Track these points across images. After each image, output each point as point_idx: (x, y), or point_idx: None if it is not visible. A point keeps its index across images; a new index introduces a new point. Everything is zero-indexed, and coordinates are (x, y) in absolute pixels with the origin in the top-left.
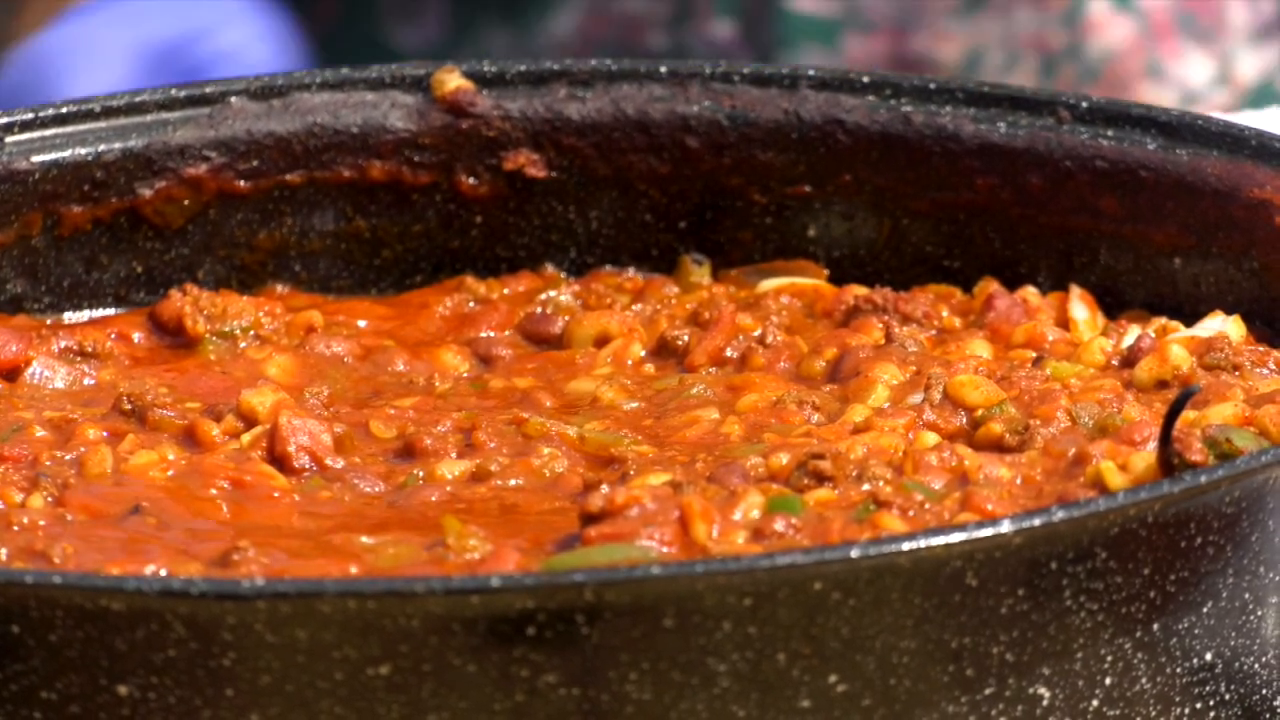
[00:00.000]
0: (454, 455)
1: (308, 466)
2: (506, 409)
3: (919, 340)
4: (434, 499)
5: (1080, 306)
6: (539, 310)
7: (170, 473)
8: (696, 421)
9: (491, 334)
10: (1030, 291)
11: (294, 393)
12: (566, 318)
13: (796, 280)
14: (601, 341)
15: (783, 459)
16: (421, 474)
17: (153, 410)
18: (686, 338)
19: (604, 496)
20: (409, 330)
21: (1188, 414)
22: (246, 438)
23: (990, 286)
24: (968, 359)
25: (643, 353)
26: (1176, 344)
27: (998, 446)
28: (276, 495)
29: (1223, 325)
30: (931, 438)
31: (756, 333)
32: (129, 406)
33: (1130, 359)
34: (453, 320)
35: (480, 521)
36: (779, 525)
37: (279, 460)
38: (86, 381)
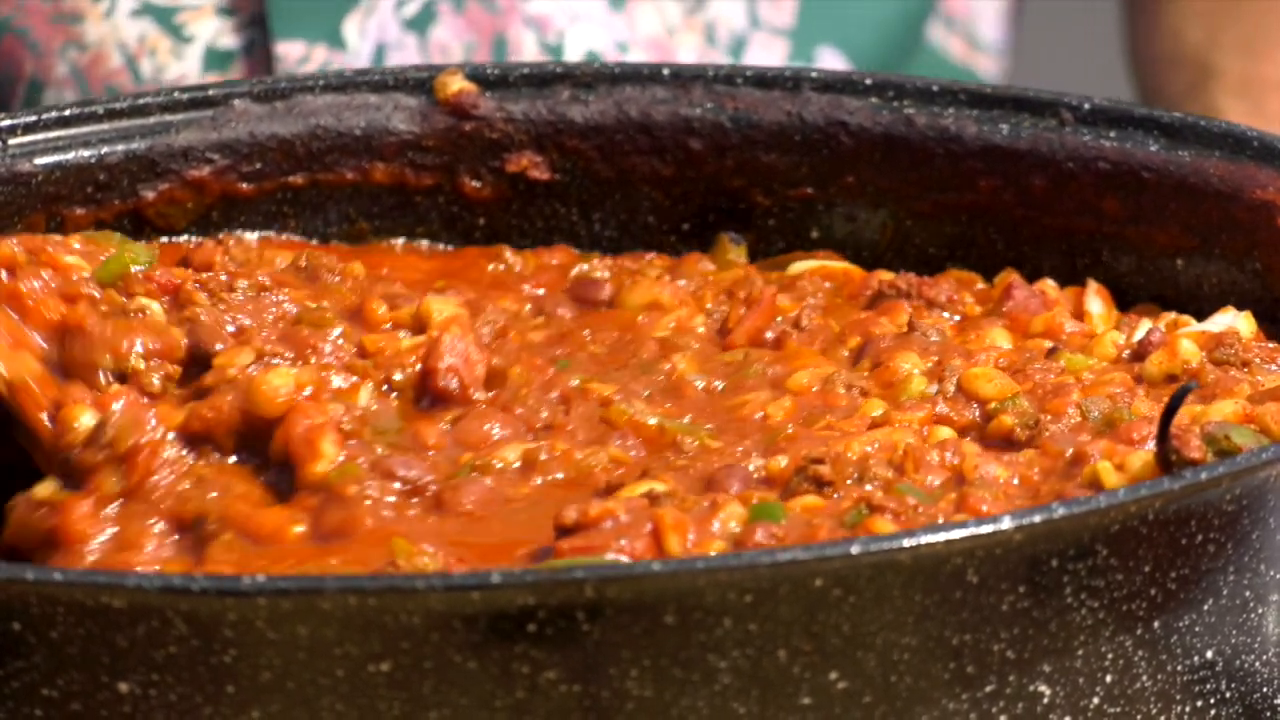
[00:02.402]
0: (530, 437)
1: (453, 390)
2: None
3: (942, 330)
4: (468, 504)
5: (1096, 301)
6: (585, 274)
7: None
8: (749, 403)
9: (542, 291)
10: (1049, 284)
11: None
12: (609, 286)
13: (827, 263)
14: (651, 310)
15: (781, 462)
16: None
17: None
18: (724, 314)
19: (578, 509)
20: (460, 285)
21: (1192, 409)
22: (407, 341)
23: (1010, 277)
24: (988, 349)
25: (701, 328)
26: (1186, 338)
27: (1008, 440)
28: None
29: (1233, 321)
30: (945, 432)
31: (793, 314)
32: (304, 263)
33: (1140, 353)
34: (504, 277)
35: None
36: (760, 535)
37: (428, 374)
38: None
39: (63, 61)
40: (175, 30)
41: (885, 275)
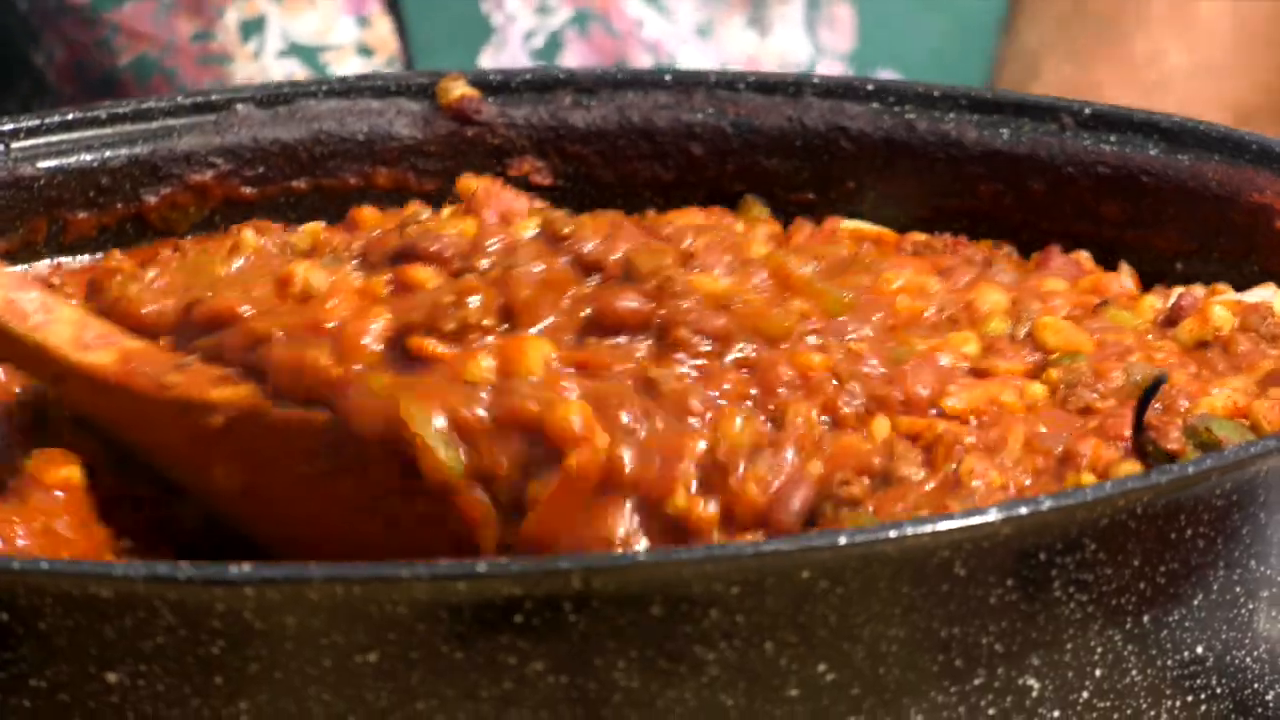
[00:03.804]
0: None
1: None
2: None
3: (1013, 271)
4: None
5: (1129, 279)
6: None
7: None
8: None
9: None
10: (1084, 255)
11: None
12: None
13: (862, 225)
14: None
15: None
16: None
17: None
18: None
19: None
20: None
21: (1175, 404)
22: (447, 211)
23: (1049, 248)
24: (1054, 294)
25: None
26: (1219, 304)
27: (1050, 395)
28: None
29: (1271, 296)
30: (1037, 389)
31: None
32: None
33: (1173, 318)
34: None
35: None
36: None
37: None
38: None
39: None
40: (320, 70)
41: (919, 236)
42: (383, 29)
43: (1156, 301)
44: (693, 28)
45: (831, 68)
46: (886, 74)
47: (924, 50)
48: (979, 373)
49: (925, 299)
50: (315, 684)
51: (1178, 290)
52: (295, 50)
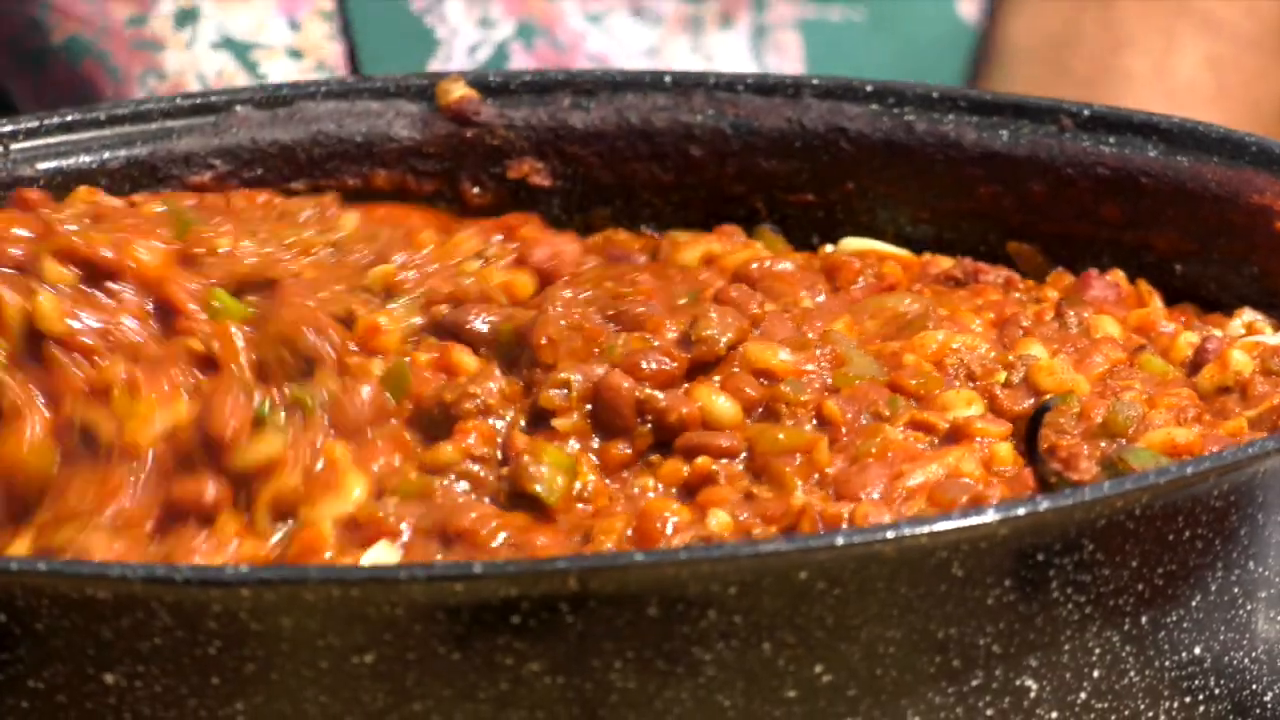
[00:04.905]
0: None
1: (545, 265)
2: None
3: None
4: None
5: (1157, 301)
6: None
7: None
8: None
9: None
10: (1120, 275)
11: None
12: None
13: (880, 247)
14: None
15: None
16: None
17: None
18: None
19: None
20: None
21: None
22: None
23: (1065, 278)
24: (1105, 341)
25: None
26: (1239, 349)
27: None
28: None
29: None
30: (1004, 450)
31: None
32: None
33: (1198, 363)
34: None
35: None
36: None
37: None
38: None
39: (141, 89)
40: (251, 66)
41: (942, 262)
42: (315, 34)
43: (1193, 337)
44: (642, 48)
45: None
46: None
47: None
48: (955, 435)
49: (971, 355)
50: (312, 685)
51: (1206, 331)
52: (228, 44)
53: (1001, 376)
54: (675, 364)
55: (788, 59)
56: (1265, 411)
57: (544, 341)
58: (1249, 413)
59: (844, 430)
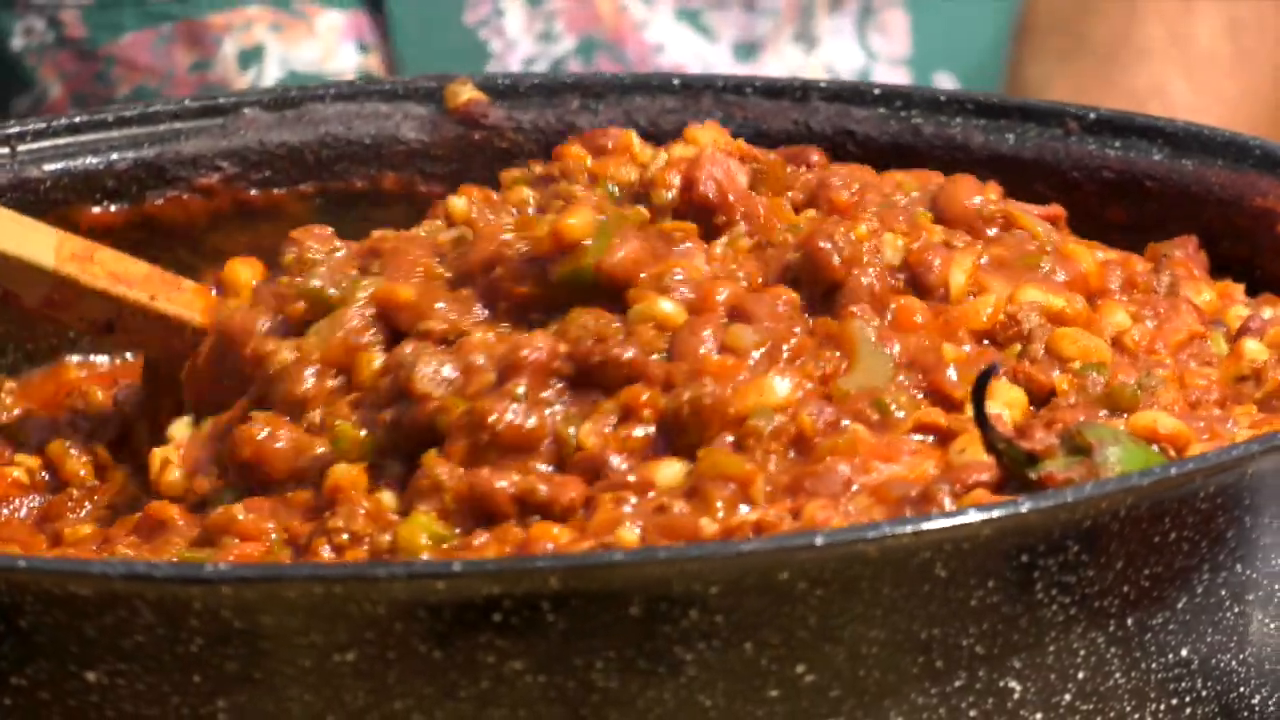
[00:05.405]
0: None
1: (712, 197)
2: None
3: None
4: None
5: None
6: None
7: None
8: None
9: None
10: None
11: None
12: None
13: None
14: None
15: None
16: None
17: None
18: None
19: None
20: None
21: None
22: (663, 157)
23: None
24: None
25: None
26: (1251, 339)
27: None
28: None
29: None
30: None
31: None
32: None
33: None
34: None
35: None
36: None
37: (688, 184)
38: None
39: None
40: None
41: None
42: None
43: (1243, 310)
44: (730, 49)
45: (888, 74)
46: (944, 77)
47: (980, 50)
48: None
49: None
50: (294, 683)
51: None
52: (294, 78)
53: (1016, 349)
54: None
55: (894, 39)
56: (1271, 390)
57: None
58: (1258, 394)
59: (815, 439)
